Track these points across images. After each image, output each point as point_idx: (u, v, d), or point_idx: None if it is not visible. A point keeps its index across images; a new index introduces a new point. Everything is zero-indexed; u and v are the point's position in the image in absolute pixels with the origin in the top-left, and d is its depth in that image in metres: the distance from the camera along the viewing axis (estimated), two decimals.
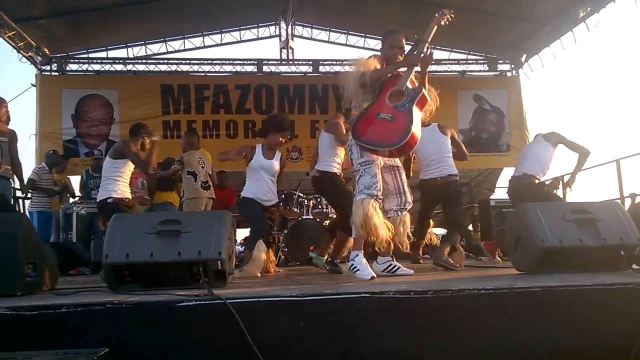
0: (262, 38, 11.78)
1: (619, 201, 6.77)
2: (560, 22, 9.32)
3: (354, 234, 3.51)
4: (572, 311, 2.36)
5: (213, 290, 2.36)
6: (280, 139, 5.05)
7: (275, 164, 5.00)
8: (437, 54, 11.61)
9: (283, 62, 11.46)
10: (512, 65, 11.42)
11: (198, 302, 2.17)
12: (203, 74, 11.01)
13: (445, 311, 2.30)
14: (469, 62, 11.63)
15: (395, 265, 3.82)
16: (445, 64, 11.55)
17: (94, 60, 10.77)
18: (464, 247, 8.25)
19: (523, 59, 11.06)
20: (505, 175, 11.37)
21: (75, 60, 10.71)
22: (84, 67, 10.73)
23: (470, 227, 9.81)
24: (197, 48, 11.34)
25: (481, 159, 10.91)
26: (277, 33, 11.67)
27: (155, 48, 11.14)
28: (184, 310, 2.16)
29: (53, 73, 10.45)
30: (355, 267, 3.37)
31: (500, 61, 11.50)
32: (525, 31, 10.04)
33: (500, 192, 11.30)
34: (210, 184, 6.43)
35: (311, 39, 11.81)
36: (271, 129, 5.06)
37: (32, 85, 9.95)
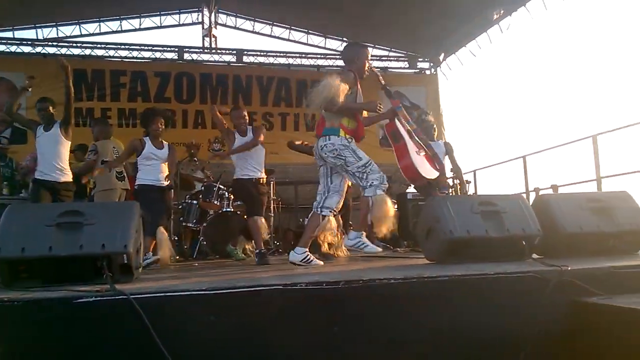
0: (183, 24, 11.44)
1: (524, 195, 7.21)
2: (476, 23, 9.76)
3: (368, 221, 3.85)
4: (478, 299, 2.47)
5: (118, 285, 2.24)
6: (158, 124, 5.33)
7: (166, 151, 5.34)
8: None
9: (206, 51, 11.18)
10: (431, 64, 11.84)
11: (99, 298, 2.05)
12: (119, 60, 10.51)
13: (357, 301, 2.32)
14: (391, 58, 11.90)
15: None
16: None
17: None
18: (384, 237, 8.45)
19: (441, 57, 11.49)
20: None
21: None
22: None
23: None
24: (113, 32, 10.83)
25: None
26: (200, 20, 11.38)
27: (67, 30, 10.53)
28: (84, 307, 2.03)
29: None
30: (364, 243, 3.90)
31: (420, 59, 11.87)
32: (443, 30, 10.42)
33: None
34: (125, 174, 6.16)
35: (235, 28, 11.62)
36: (147, 122, 5.39)
37: None
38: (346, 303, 2.31)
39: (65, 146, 5.40)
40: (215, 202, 7.03)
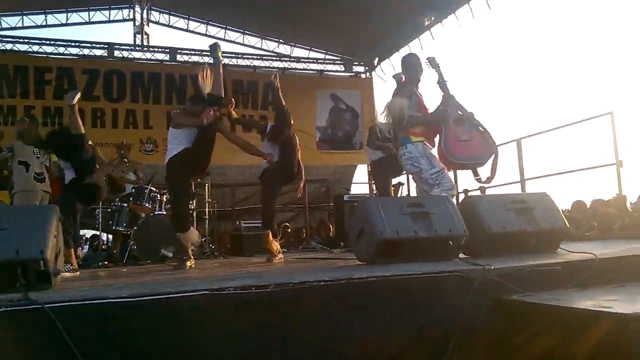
0: (113, 21, 11.05)
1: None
2: (409, 29, 10.01)
3: None
4: (406, 298, 2.51)
5: (33, 294, 2.10)
6: None
7: None
8: (296, 52, 11.84)
9: (137, 48, 10.82)
10: (366, 68, 12.03)
11: (11, 308, 1.92)
12: (44, 56, 9.97)
13: (287, 304, 2.30)
14: (327, 62, 12.00)
15: None
16: (304, 61, 11.78)
17: None
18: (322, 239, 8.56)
19: (375, 61, 11.70)
20: (360, 172, 11.96)
21: None
22: None
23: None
24: (37, 27, 10.27)
25: (337, 155, 11.40)
26: (131, 17, 11.01)
27: None
28: None
29: None
30: None
31: (355, 63, 12.04)
32: (377, 35, 10.62)
33: (357, 188, 11.89)
34: (46, 176, 5.82)
35: (168, 25, 11.35)
36: None
37: None
38: (276, 307, 2.29)
39: None
40: (147, 205, 6.82)
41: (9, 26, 10.08)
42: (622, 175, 5.94)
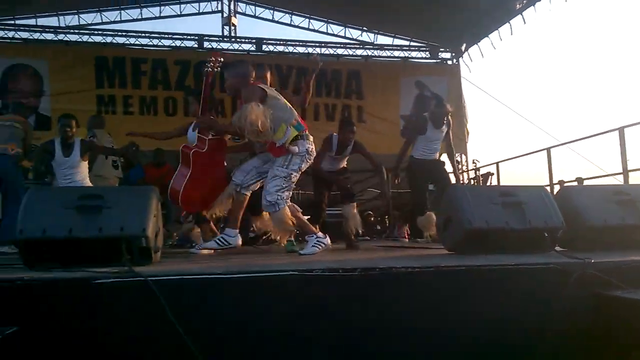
0: (203, 13, 11.45)
1: (548, 188, 7.08)
2: (499, 13, 9.59)
3: None
4: (496, 290, 2.42)
5: (136, 268, 2.25)
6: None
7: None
8: (381, 39, 11.70)
9: (225, 39, 11.17)
10: (453, 54, 11.67)
11: (117, 280, 2.06)
12: (140, 47, 10.56)
13: (372, 290, 2.30)
14: (412, 48, 11.77)
15: None
16: (388, 49, 11.63)
17: (22, 28, 10.09)
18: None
19: (463, 47, 11.32)
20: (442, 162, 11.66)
21: (1, 26, 10.00)
22: (10, 34, 10.04)
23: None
24: (133, 20, 10.89)
25: None
26: (220, 9, 11.38)
27: (89, 18, 10.61)
28: (102, 288, 2.05)
29: None
30: None
31: (441, 49, 11.72)
32: (465, 20, 10.27)
33: None
34: (119, 164, 6.32)
35: (255, 16, 11.60)
36: None
37: None
38: (362, 291, 2.29)
39: (83, 167, 5.43)
40: None
41: (108, 20, 10.74)
42: None
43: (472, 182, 10.34)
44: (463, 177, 10.98)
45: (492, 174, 7.86)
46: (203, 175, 4.16)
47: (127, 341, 2.06)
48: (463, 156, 11.28)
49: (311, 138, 3.86)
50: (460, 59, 11.51)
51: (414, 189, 5.85)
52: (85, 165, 5.41)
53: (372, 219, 9.79)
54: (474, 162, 10.55)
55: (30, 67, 9.60)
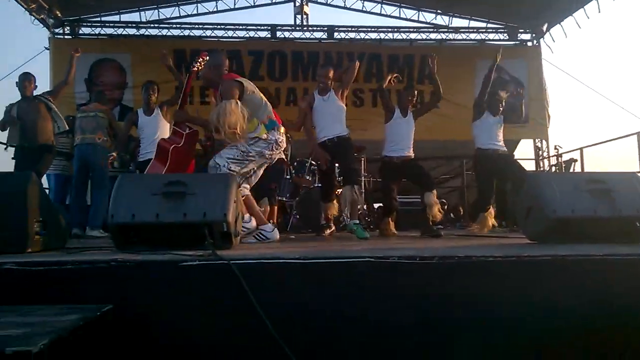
0: (275, 3, 11.59)
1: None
2: None
3: None
4: (582, 281, 2.31)
5: (218, 251, 2.34)
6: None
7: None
8: (456, 22, 11.35)
9: (297, 28, 11.26)
10: (533, 35, 11.11)
11: (201, 262, 2.16)
12: (216, 39, 10.89)
13: (450, 278, 2.26)
14: (489, 30, 11.34)
15: None
16: (463, 32, 11.27)
17: (107, 24, 10.69)
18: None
19: (544, 28, 10.74)
20: (522, 147, 11.20)
21: (88, 24, 10.65)
22: (97, 30, 10.67)
23: None
24: (209, 13, 11.21)
25: None
26: None
27: (167, 12, 11.05)
28: (187, 270, 2.15)
29: (66, 37, 10.41)
30: None
31: (520, 30, 11.20)
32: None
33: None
34: None
35: (326, 4, 11.58)
36: None
37: (46, 48, 9.93)
38: (439, 280, 2.25)
39: (166, 127, 5.73)
40: (308, 178, 7.14)
41: (186, 14, 11.13)
42: None
43: (553, 168, 9.87)
44: (544, 163, 10.50)
45: (576, 160, 7.47)
46: (178, 170, 4.38)
47: (210, 319, 2.16)
48: (544, 142, 10.78)
49: (282, 130, 4.05)
50: (542, 39, 10.95)
51: (478, 183, 5.99)
52: (167, 126, 5.72)
53: (446, 207, 9.60)
54: (556, 148, 10.05)
55: (115, 61, 10.16)
